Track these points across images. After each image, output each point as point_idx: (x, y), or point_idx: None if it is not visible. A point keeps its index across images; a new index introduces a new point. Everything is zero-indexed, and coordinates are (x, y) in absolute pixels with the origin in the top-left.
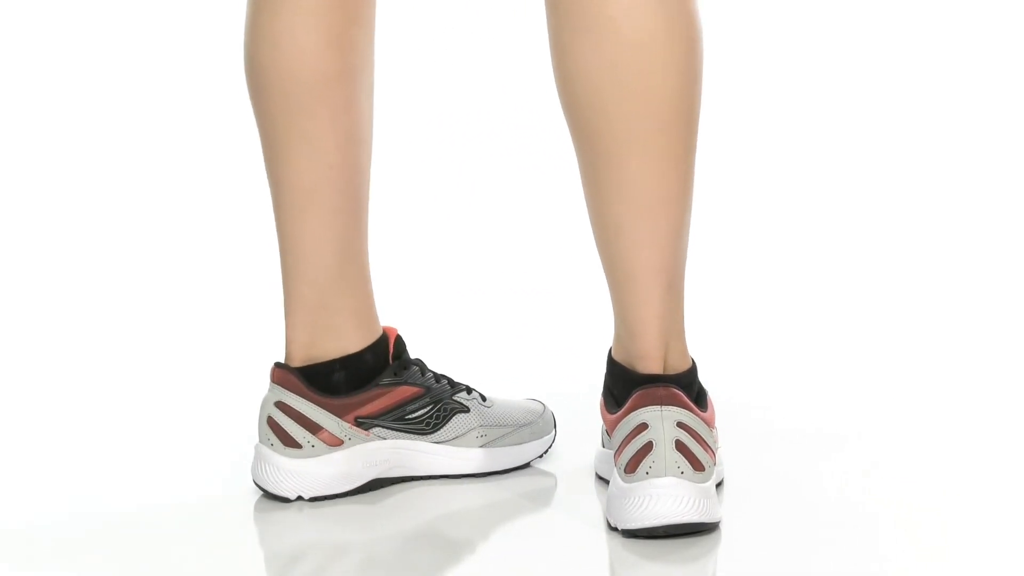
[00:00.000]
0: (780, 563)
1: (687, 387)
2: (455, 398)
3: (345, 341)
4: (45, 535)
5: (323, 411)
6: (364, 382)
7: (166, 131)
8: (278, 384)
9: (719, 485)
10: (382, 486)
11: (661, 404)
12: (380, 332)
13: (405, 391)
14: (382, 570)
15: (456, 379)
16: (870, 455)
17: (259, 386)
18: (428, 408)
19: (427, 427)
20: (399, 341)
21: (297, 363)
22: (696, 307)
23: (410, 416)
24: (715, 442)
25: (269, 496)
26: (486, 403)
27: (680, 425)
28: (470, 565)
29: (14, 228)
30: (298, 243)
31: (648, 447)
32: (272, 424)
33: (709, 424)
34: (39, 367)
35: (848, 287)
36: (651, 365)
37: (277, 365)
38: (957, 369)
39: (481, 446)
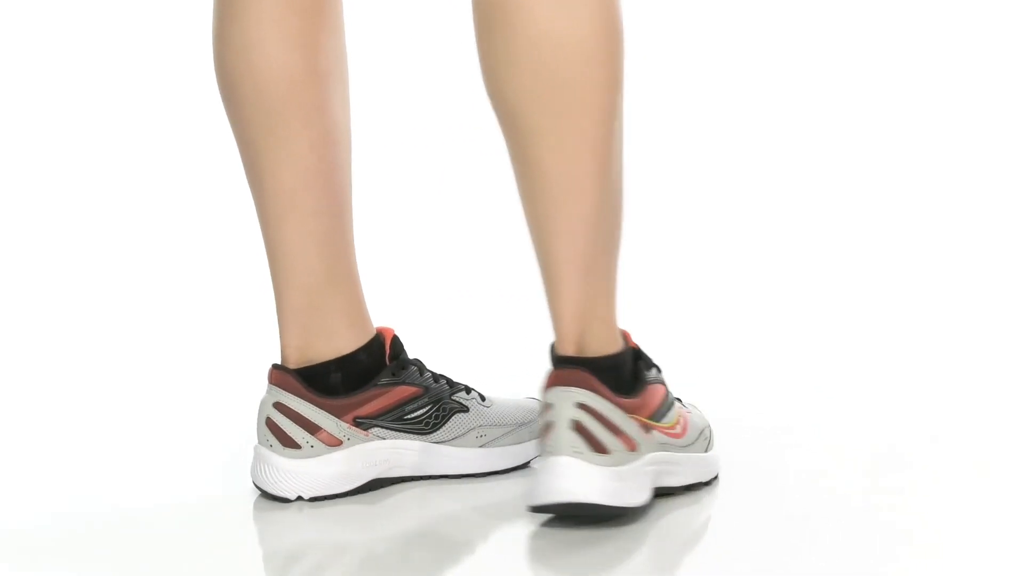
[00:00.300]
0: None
1: (604, 370)
2: (454, 398)
3: (338, 342)
4: (45, 535)
5: (321, 411)
6: (361, 382)
7: (162, 134)
8: (276, 385)
9: (709, 483)
10: (382, 486)
11: (565, 385)
12: (373, 332)
13: (404, 391)
14: (382, 570)
15: (455, 379)
16: (867, 455)
17: (258, 387)
18: (427, 408)
19: (426, 427)
20: (396, 341)
21: (293, 366)
22: (690, 307)
23: (409, 416)
24: (642, 429)
25: (269, 497)
26: (485, 403)
27: (581, 406)
28: (470, 565)
29: (13, 232)
30: (282, 247)
31: (549, 426)
32: (271, 425)
33: (629, 410)
34: (39, 369)
35: (839, 285)
36: (566, 347)
37: (275, 367)
38: (951, 365)
39: (480, 446)
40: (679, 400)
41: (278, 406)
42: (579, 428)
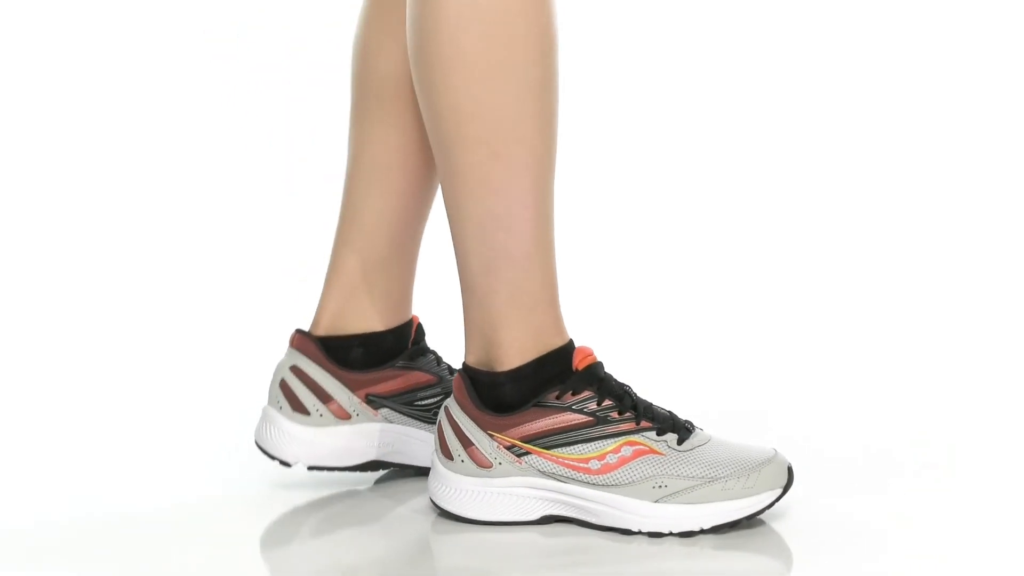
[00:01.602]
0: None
1: (481, 383)
2: None
3: (372, 319)
4: (45, 535)
5: (336, 382)
6: (380, 362)
7: (170, 131)
8: (296, 349)
9: (700, 532)
10: (382, 468)
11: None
12: (408, 317)
13: (418, 377)
14: (381, 569)
15: None
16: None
17: (259, 386)
18: (438, 398)
19: (434, 417)
20: (419, 329)
21: (320, 331)
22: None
23: (419, 403)
24: (505, 449)
25: (268, 457)
26: None
27: (445, 410)
28: (470, 565)
29: (14, 231)
30: (359, 214)
31: None
32: (284, 387)
33: (487, 426)
34: (39, 367)
35: (837, 289)
36: (466, 355)
37: (298, 331)
38: (949, 367)
39: None
40: (649, 440)
41: (295, 370)
42: (438, 429)
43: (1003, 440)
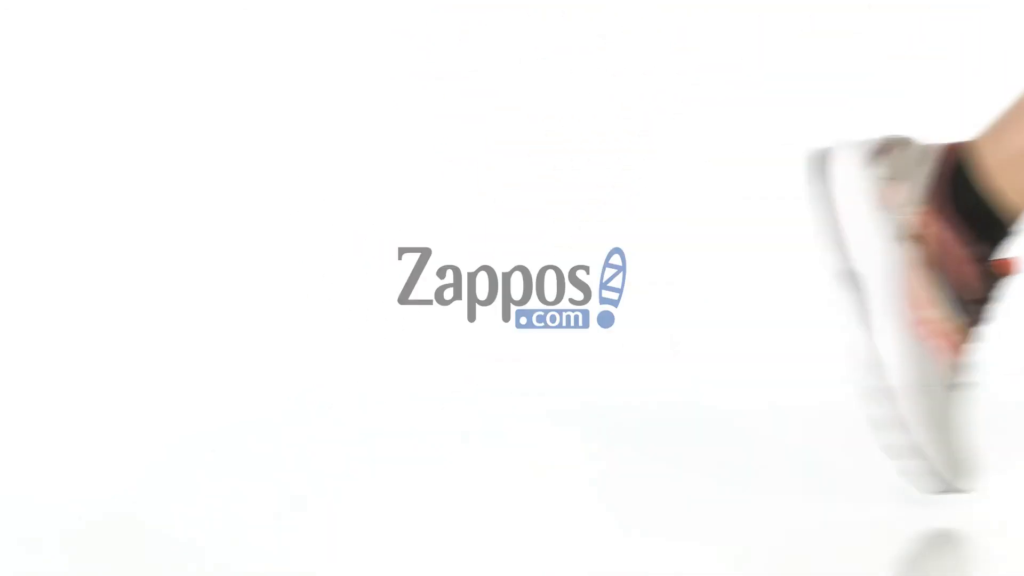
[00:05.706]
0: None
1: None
2: None
3: None
4: (45, 535)
5: None
6: None
7: (168, 132)
8: None
9: None
10: None
11: None
12: None
13: None
14: (383, 563)
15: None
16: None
17: (256, 386)
18: None
19: None
20: None
21: None
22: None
23: None
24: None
25: None
26: None
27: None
28: (474, 564)
29: (16, 226)
30: None
31: None
32: None
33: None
34: (40, 366)
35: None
36: None
37: None
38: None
39: None
40: None
41: None
42: None
43: (1004, 439)
